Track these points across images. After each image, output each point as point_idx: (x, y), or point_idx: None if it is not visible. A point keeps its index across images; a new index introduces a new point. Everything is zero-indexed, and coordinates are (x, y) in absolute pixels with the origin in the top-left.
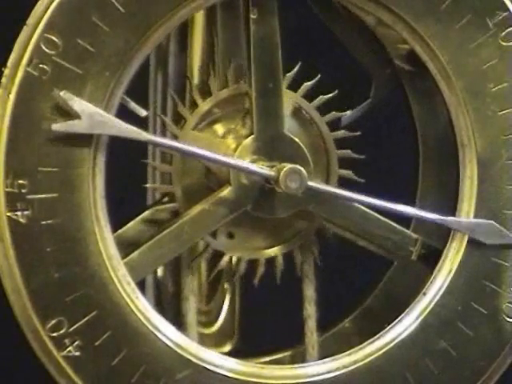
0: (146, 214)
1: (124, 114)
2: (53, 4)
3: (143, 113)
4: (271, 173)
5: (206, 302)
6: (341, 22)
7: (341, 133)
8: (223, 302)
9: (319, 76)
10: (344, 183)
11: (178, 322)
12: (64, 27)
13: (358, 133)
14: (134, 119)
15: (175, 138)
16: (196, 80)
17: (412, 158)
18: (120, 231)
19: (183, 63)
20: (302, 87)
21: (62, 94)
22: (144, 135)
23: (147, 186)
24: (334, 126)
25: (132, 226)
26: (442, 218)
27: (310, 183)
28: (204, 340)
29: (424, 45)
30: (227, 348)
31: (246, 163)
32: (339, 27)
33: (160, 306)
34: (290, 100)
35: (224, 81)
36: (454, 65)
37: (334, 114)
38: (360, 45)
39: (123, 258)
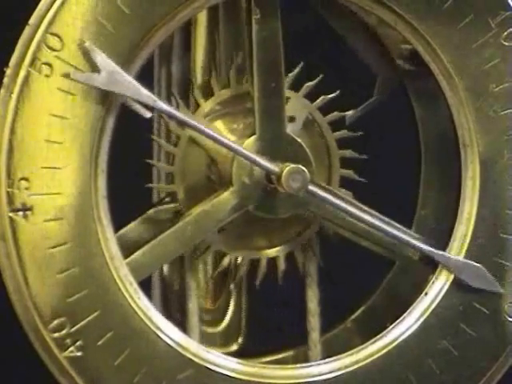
0: (147, 214)
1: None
2: (55, 4)
3: (148, 114)
4: (275, 168)
5: (212, 301)
6: (344, 22)
7: (342, 133)
8: (229, 300)
9: (321, 76)
10: (344, 184)
11: (184, 319)
12: (66, 27)
13: (360, 133)
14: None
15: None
16: (199, 80)
17: (413, 159)
18: (122, 231)
19: (187, 63)
20: (304, 87)
21: (86, 45)
22: (159, 103)
23: (150, 185)
24: (337, 125)
25: (133, 226)
26: (433, 250)
27: (311, 187)
28: (209, 339)
29: (426, 45)
30: (233, 348)
31: (252, 153)
32: (343, 26)
33: (166, 304)
34: (304, 109)
35: (226, 81)
36: (455, 65)
37: (336, 114)
38: (363, 43)
39: (125, 258)
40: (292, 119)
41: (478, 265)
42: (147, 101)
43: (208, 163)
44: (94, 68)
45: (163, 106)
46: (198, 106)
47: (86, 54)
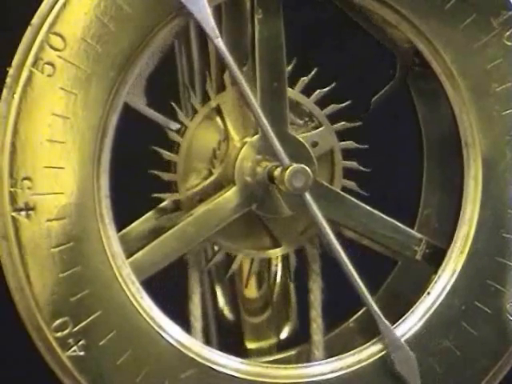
0: (150, 213)
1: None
2: (57, 4)
3: (174, 126)
4: (286, 158)
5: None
6: (361, 13)
7: (349, 143)
8: (272, 289)
9: (315, 70)
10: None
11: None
12: (69, 26)
13: (366, 146)
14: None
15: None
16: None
17: (416, 158)
18: (124, 231)
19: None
20: (300, 82)
21: None
22: (219, 41)
23: (155, 195)
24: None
25: (136, 225)
26: (382, 319)
27: (307, 195)
28: (251, 330)
29: (428, 44)
30: (276, 339)
31: (273, 136)
32: (360, 17)
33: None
34: (329, 141)
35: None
36: (458, 64)
37: (344, 125)
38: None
39: (128, 257)
40: (315, 144)
41: (412, 353)
42: (210, 32)
43: (209, 168)
44: None
45: (222, 46)
46: (209, 99)
47: None
